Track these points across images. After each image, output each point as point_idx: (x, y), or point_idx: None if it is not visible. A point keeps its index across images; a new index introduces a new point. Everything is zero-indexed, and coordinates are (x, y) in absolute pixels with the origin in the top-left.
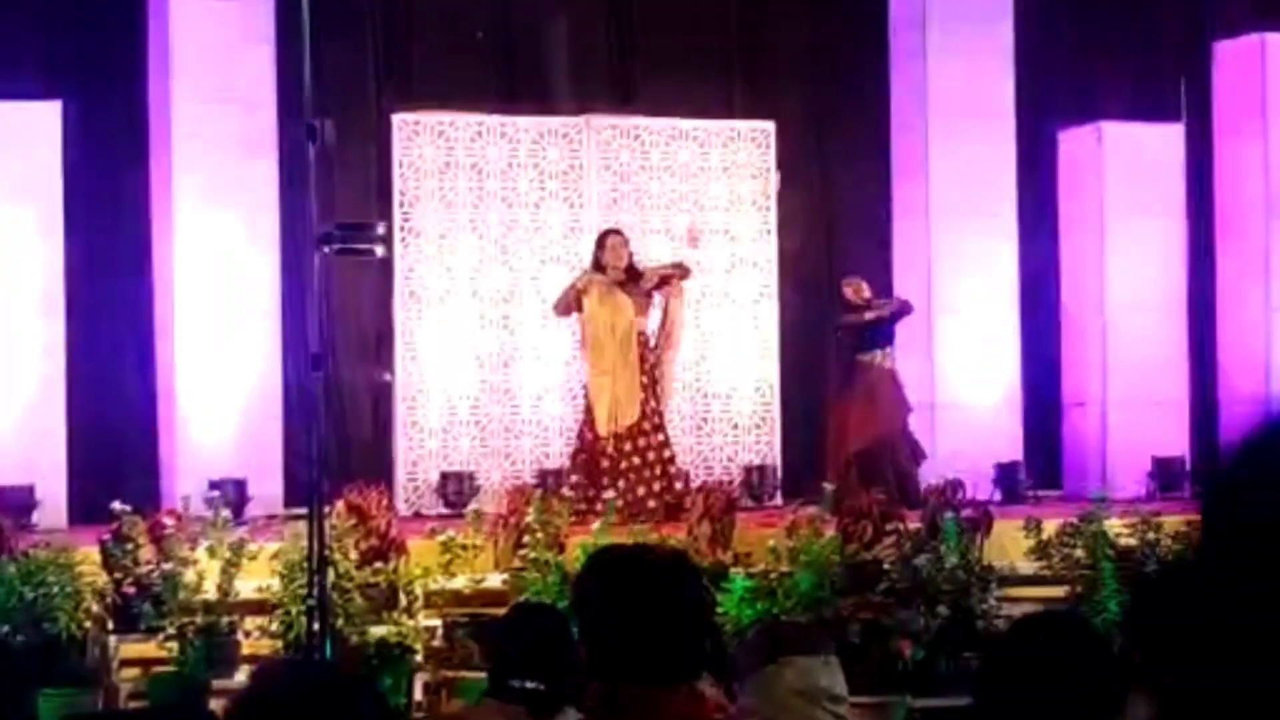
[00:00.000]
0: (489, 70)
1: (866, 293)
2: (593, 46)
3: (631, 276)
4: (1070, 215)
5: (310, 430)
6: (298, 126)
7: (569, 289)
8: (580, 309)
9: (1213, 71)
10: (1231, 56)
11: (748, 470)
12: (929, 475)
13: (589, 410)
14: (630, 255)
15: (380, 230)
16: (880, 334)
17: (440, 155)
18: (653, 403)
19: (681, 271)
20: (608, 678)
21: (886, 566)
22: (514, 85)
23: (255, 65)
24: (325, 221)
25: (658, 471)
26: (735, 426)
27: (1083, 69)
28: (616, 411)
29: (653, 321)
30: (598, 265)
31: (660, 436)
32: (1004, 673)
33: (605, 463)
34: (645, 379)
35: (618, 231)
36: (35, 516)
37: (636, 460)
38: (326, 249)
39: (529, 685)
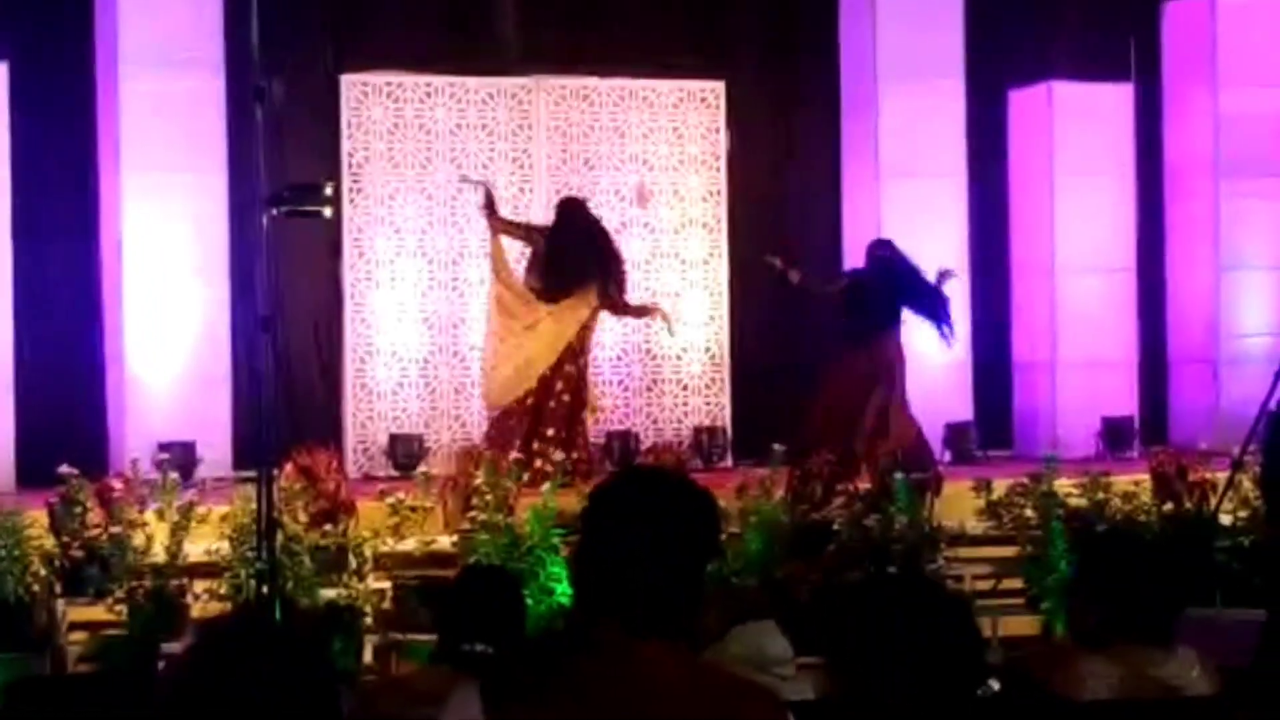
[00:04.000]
0: (438, 31)
1: None
2: (543, 7)
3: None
4: (1020, 174)
5: (259, 393)
6: (246, 87)
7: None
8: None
9: (1162, 31)
10: (1181, 16)
11: (698, 431)
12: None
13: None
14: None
15: (328, 191)
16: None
17: (389, 116)
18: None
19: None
20: (593, 618)
21: (836, 527)
22: (463, 46)
23: (203, 25)
24: (274, 183)
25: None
26: (685, 388)
27: (1033, 28)
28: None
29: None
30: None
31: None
32: (856, 633)
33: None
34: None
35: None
36: None
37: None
38: (275, 210)
39: (478, 649)
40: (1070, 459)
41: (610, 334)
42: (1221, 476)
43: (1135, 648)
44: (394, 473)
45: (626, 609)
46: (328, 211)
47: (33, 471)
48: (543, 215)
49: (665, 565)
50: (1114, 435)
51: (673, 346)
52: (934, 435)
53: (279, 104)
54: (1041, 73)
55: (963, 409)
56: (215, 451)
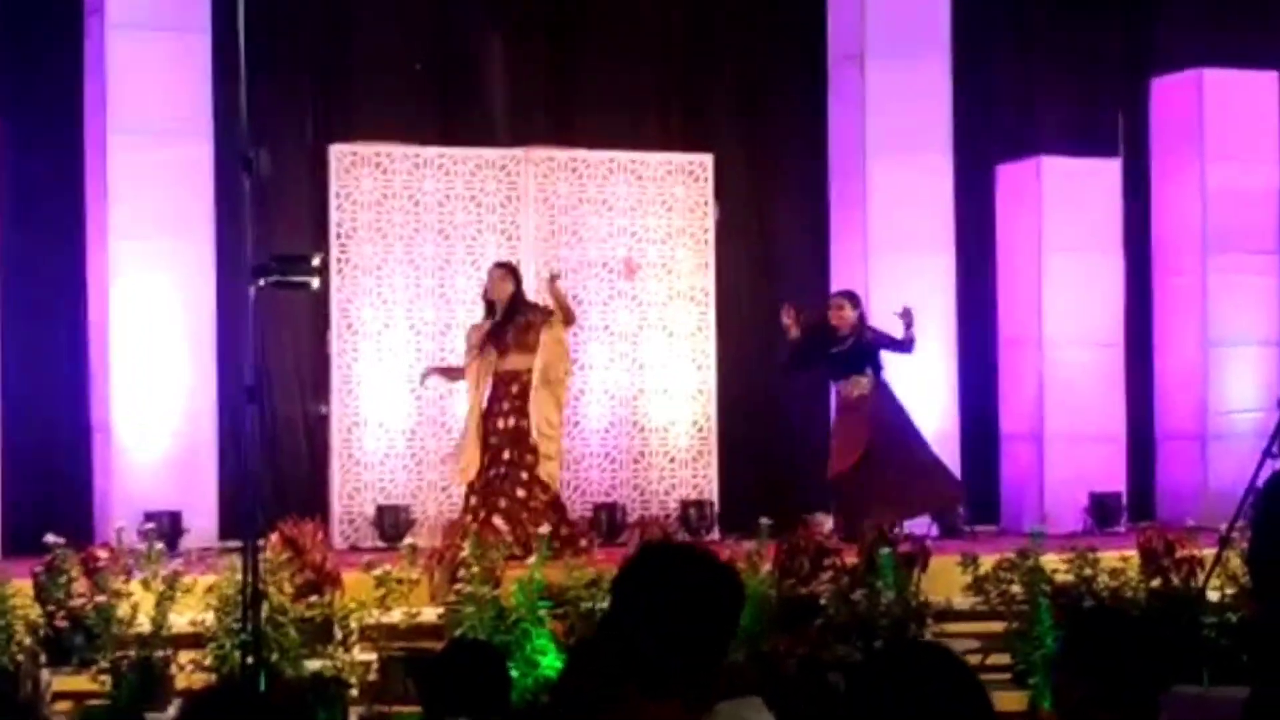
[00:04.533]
0: (427, 102)
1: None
2: (531, 79)
3: (518, 309)
4: (1008, 249)
5: (244, 464)
6: (234, 156)
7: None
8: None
9: (1150, 107)
10: (1169, 92)
11: (684, 504)
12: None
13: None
14: (517, 288)
15: (315, 262)
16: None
17: (377, 187)
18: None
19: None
20: (608, 681)
21: (823, 601)
22: (452, 117)
23: (192, 95)
24: (261, 253)
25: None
26: (672, 460)
27: (1021, 103)
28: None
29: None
30: (487, 298)
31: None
32: (865, 703)
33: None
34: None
35: (502, 264)
36: None
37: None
38: (262, 281)
39: None
40: (1057, 534)
41: (597, 406)
42: (1209, 553)
43: None
44: (380, 543)
45: (647, 674)
46: (315, 283)
47: (18, 539)
48: (532, 285)
49: (689, 634)
50: (1101, 511)
51: (660, 419)
52: None
53: (267, 173)
54: (1030, 147)
55: None
56: (201, 521)
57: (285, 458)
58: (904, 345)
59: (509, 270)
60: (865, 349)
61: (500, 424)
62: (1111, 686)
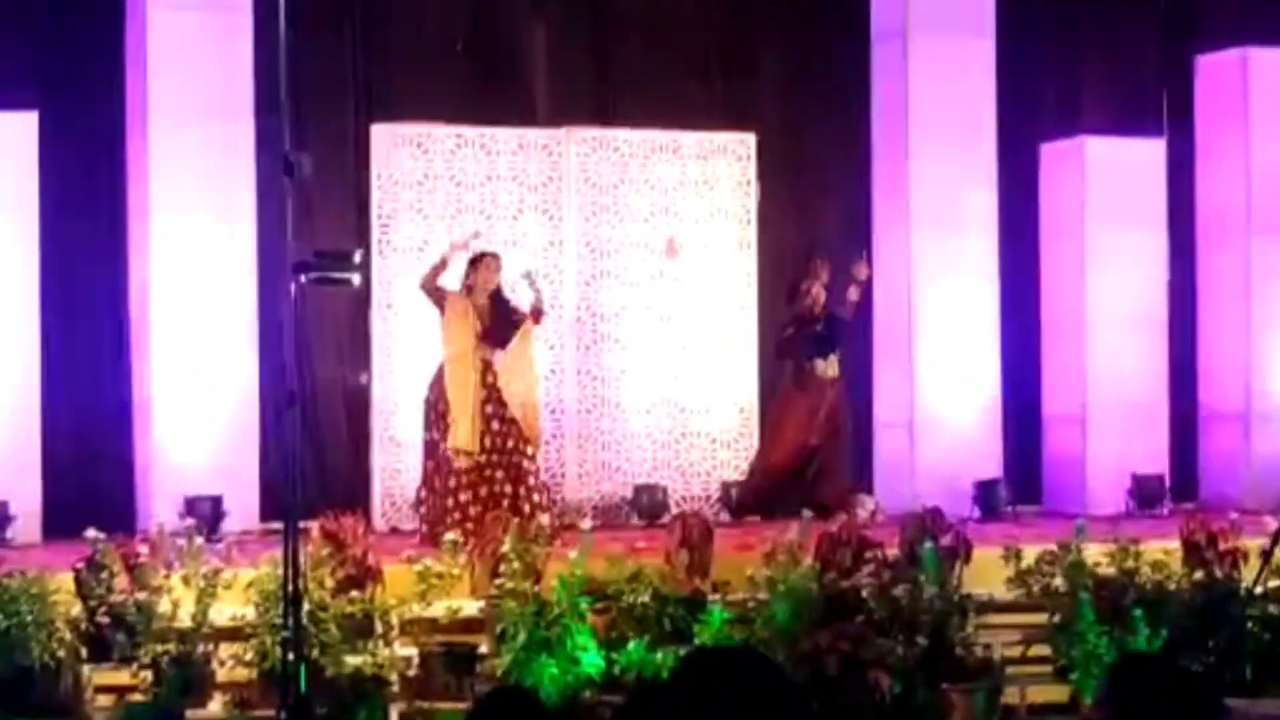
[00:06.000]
0: (468, 82)
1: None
2: (573, 58)
3: (496, 302)
4: (1052, 229)
5: (288, 466)
6: (277, 137)
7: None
8: (442, 308)
9: (1195, 86)
10: (1213, 71)
11: (726, 486)
12: (909, 493)
13: (447, 422)
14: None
15: (357, 259)
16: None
17: (419, 167)
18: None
19: (535, 315)
20: None
21: (864, 596)
22: (493, 97)
23: (234, 75)
24: (302, 236)
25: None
26: (714, 441)
27: (1065, 83)
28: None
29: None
30: (466, 287)
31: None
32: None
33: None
34: (484, 404)
35: (495, 255)
36: (10, 532)
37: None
38: (303, 277)
39: None
40: (1099, 515)
41: (639, 387)
42: (1253, 544)
43: None
44: (420, 526)
45: None
46: (356, 279)
47: (60, 522)
48: (574, 265)
49: None
50: (1144, 493)
51: (701, 400)
52: (963, 492)
53: (308, 175)
54: (1073, 127)
55: (992, 464)
56: (243, 503)
57: (326, 433)
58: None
59: (500, 262)
60: (839, 327)
61: (492, 410)
62: None
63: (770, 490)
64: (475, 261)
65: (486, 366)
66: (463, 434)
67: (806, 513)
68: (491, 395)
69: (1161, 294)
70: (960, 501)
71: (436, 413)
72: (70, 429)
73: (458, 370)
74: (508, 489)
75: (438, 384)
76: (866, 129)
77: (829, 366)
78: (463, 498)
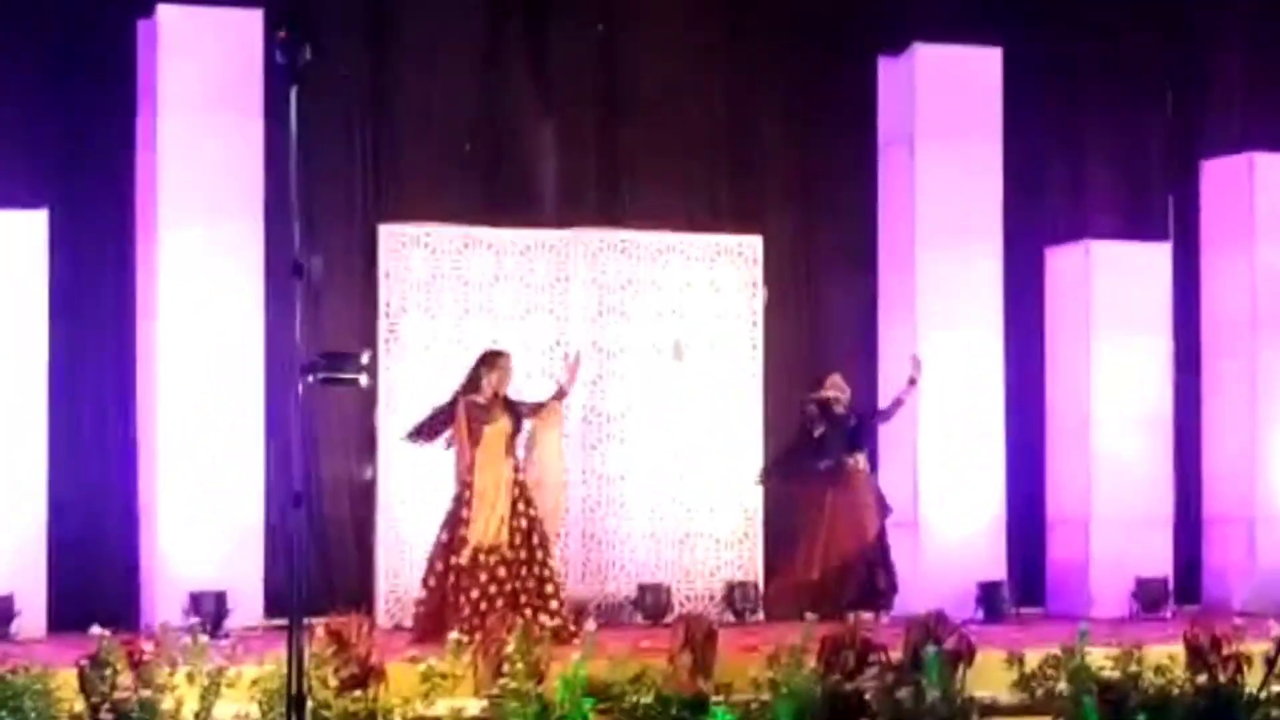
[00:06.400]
0: (476, 182)
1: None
2: (581, 159)
3: (507, 402)
4: (1057, 332)
5: (292, 563)
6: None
7: (450, 418)
8: (473, 438)
9: (1200, 190)
10: (1219, 175)
11: (729, 586)
12: (912, 595)
13: (465, 520)
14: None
15: (365, 359)
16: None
17: (427, 266)
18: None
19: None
20: None
21: (868, 698)
22: (501, 197)
23: (244, 177)
24: (311, 338)
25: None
26: (718, 541)
27: (1071, 186)
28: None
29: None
30: (475, 384)
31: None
32: None
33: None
34: (516, 502)
35: (509, 355)
36: (14, 627)
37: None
38: (311, 378)
39: None
40: (1103, 618)
41: (644, 486)
42: (1256, 648)
43: None
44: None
45: None
46: (364, 380)
47: (64, 616)
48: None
49: None
50: (1148, 596)
51: (706, 499)
52: (967, 593)
53: (319, 278)
54: (1079, 230)
55: (996, 565)
56: (247, 600)
57: (331, 530)
58: (892, 408)
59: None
60: (864, 424)
61: (521, 508)
62: None
63: (835, 586)
64: (490, 361)
65: (516, 467)
66: (490, 529)
67: (810, 616)
68: (523, 493)
69: (1167, 397)
70: (964, 603)
71: (456, 516)
72: (76, 524)
73: (489, 470)
74: (530, 585)
75: (462, 486)
76: (873, 232)
77: (860, 460)
78: (474, 595)
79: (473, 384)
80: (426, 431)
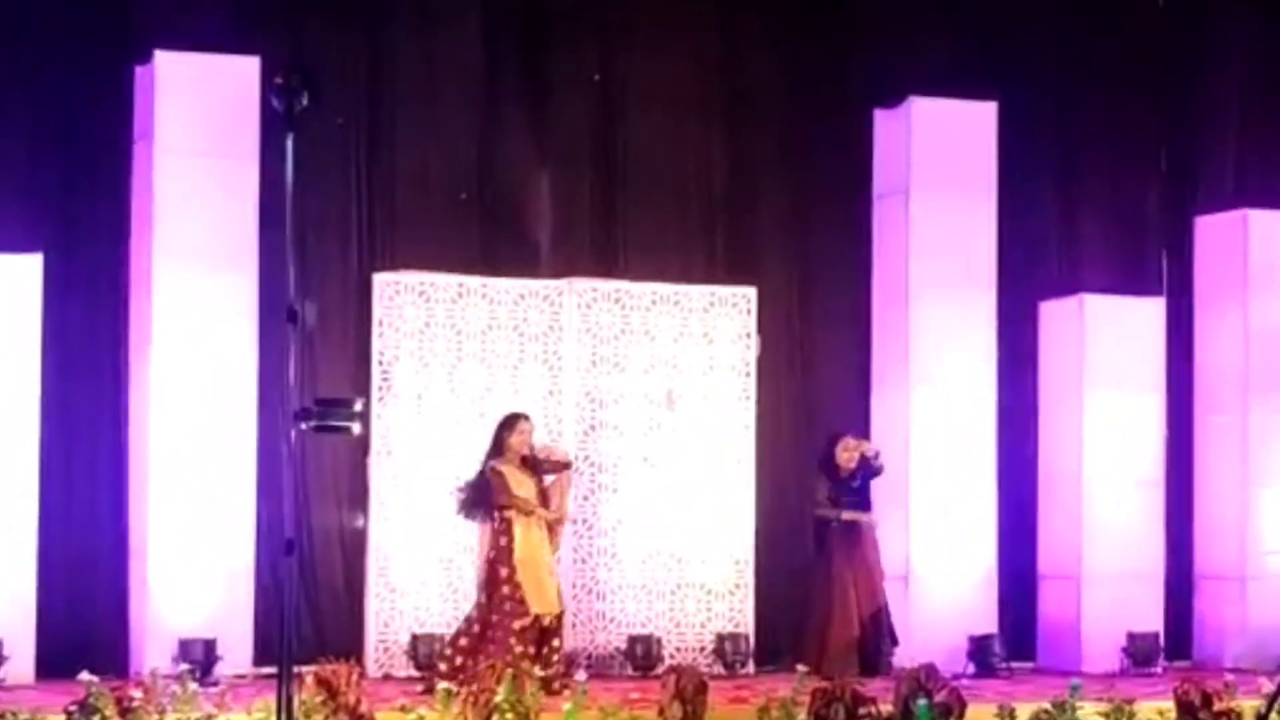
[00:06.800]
0: (471, 231)
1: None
2: (576, 209)
3: (526, 462)
4: (1050, 385)
5: (282, 611)
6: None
7: (491, 487)
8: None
9: (1194, 246)
10: (1213, 231)
11: (720, 637)
12: (903, 648)
13: (520, 585)
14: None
15: (358, 406)
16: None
17: (420, 315)
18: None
19: (565, 463)
20: None
21: None
22: (495, 247)
23: (239, 224)
24: (304, 387)
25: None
26: (709, 592)
27: (1064, 240)
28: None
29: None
30: (500, 449)
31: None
32: None
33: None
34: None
35: (528, 417)
36: (3, 672)
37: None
38: (303, 425)
39: None
40: (1094, 673)
41: (635, 536)
42: (1247, 705)
43: None
44: (414, 672)
45: None
46: (357, 428)
47: (52, 662)
48: (573, 414)
49: None
50: (1139, 652)
51: (697, 551)
52: (958, 647)
53: (312, 324)
54: (1073, 285)
55: (987, 620)
56: (236, 647)
57: (321, 577)
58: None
59: (532, 424)
60: (865, 483)
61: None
62: None
63: (873, 642)
64: (510, 424)
65: (550, 527)
66: (548, 597)
67: (801, 668)
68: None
69: (1159, 453)
70: (955, 657)
71: (496, 575)
72: (66, 570)
73: (531, 533)
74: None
75: (496, 546)
76: (867, 284)
77: (872, 519)
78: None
79: (498, 448)
80: (484, 505)
